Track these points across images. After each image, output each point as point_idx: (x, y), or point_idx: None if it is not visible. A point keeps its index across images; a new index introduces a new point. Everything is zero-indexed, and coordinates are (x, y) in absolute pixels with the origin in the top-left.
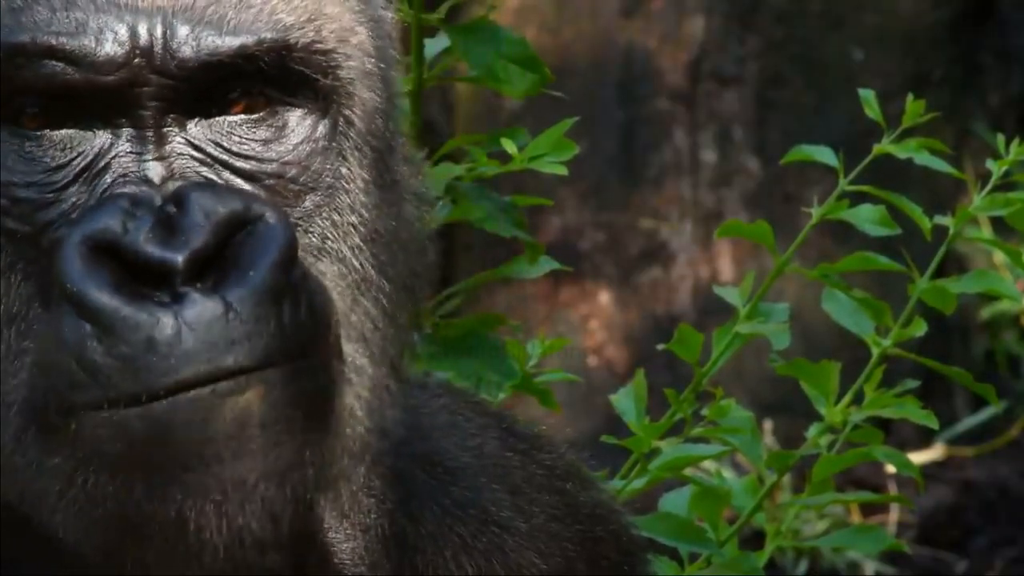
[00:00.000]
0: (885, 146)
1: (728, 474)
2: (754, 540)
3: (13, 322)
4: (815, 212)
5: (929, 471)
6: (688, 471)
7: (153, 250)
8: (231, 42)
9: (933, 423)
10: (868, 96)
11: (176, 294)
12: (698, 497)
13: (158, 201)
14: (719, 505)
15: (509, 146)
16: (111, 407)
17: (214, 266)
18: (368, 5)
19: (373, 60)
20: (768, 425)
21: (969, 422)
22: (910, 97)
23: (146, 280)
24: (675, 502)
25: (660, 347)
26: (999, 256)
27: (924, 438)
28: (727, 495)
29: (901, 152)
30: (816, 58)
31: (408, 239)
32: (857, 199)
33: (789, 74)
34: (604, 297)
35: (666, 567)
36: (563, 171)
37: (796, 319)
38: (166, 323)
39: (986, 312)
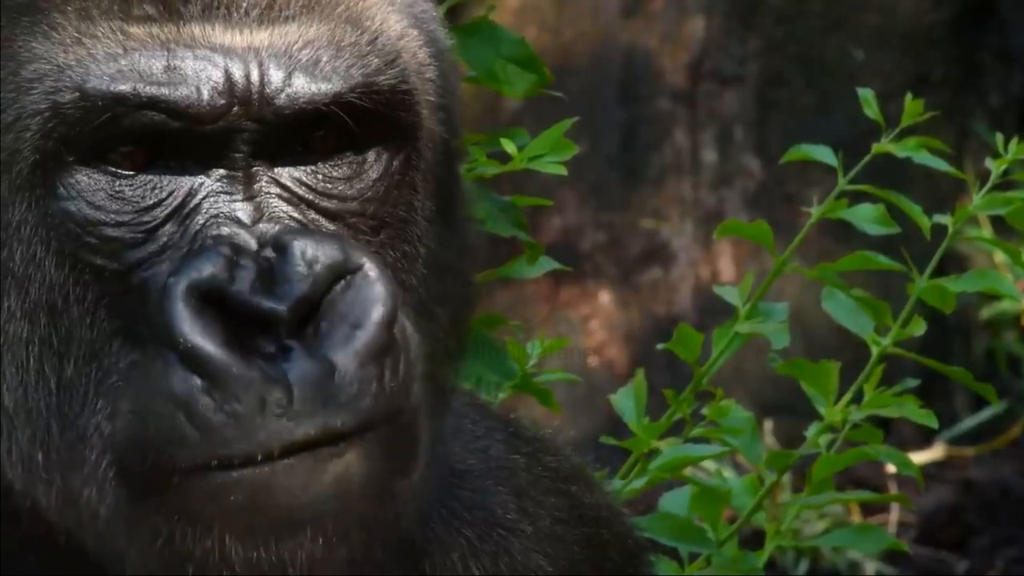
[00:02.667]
0: (884, 145)
1: (728, 474)
2: (754, 540)
3: (95, 358)
4: (814, 211)
5: (929, 471)
6: (688, 471)
7: (260, 300)
8: (325, 88)
9: (933, 422)
10: (868, 96)
11: (282, 346)
12: (698, 497)
13: (254, 245)
14: (719, 505)
15: (509, 146)
16: (221, 467)
17: (316, 316)
18: (436, 40)
19: (440, 93)
20: (768, 425)
21: (969, 422)
22: (909, 97)
23: (249, 328)
24: (675, 502)
25: (660, 347)
26: (999, 255)
27: (924, 438)
28: (727, 495)
29: (900, 151)
30: (816, 58)
31: (462, 268)
32: (857, 198)
33: (789, 74)
34: (604, 297)
35: (666, 567)
36: (563, 171)
37: (796, 319)
38: (277, 382)
39: (986, 312)
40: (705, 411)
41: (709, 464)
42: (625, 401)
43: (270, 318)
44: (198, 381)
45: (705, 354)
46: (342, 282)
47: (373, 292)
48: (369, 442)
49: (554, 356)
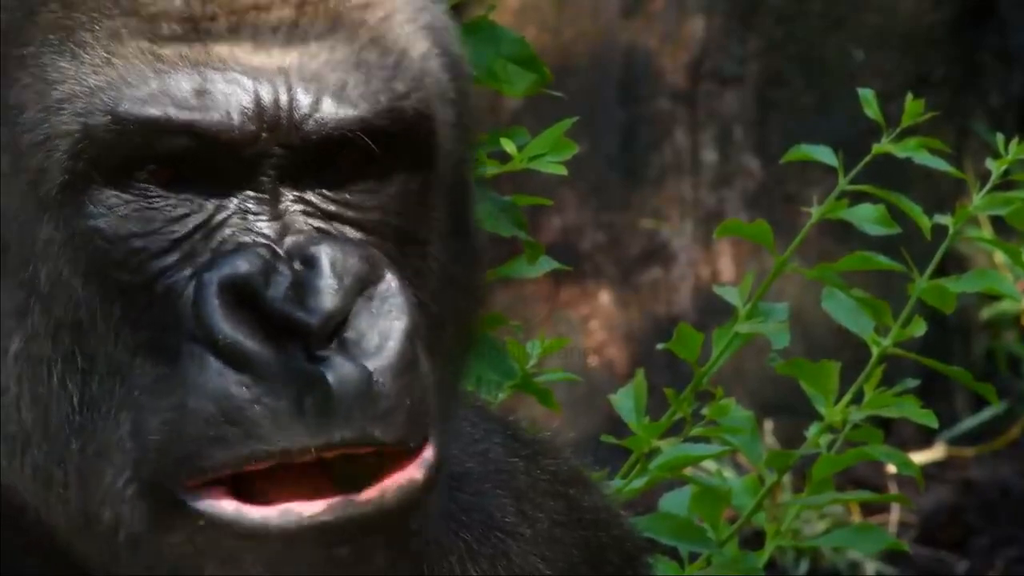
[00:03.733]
0: (885, 145)
1: (728, 473)
2: (754, 540)
3: (118, 373)
4: (815, 212)
5: (929, 471)
6: (688, 471)
7: (292, 310)
8: (352, 113)
9: (933, 422)
10: (868, 96)
11: (311, 355)
12: (698, 497)
13: (284, 254)
14: (719, 505)
15: (509, 146)
16: (258, 460)
17: (343, 327)
18: (456, 59)
19: (458, 112)
20: (768, 425)
21: (969, 422)
22: (909, 97)
23: (282, 333)
24: (675, 502)
25: (660, 347)
26: (999, 256)
27: (924, 438)
28: (727, 495)
29: (901, 151)
30: (816, 58)
31: (472, 281)
32: (857, 199)
33: (789, 74)
34: (604, 297)
35: (666, 567)
36: (563, 171)
37: (796, 319)
38: (317, 382)
39: (986, 312)
40: (705, 411)
41: (709, 464)
42: (625, 401)
43: (302, 329)
44: (236, 376)
45: (705, 354)
46: (366, 293)
47: (397, 303)
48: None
49: (554, 356)
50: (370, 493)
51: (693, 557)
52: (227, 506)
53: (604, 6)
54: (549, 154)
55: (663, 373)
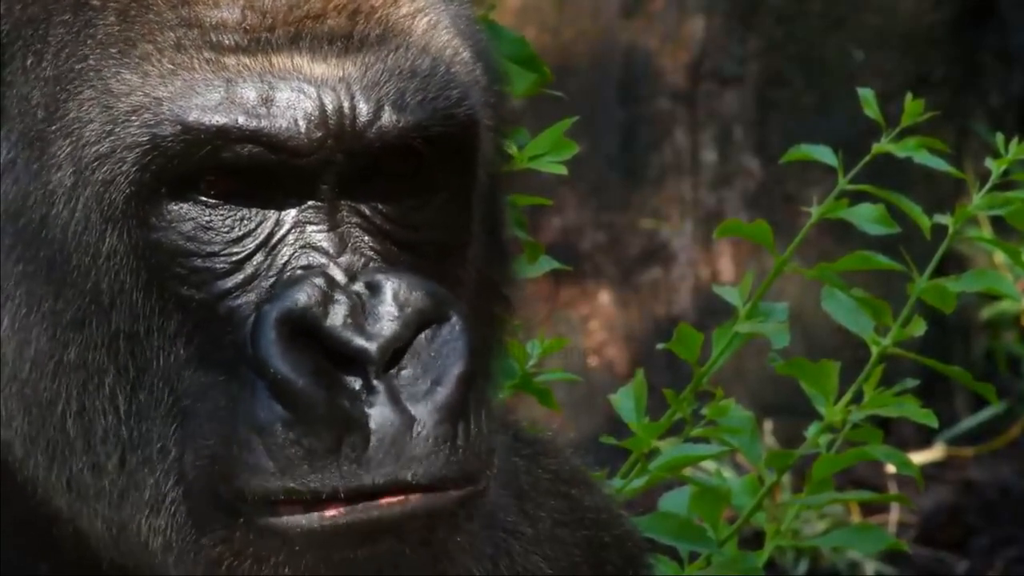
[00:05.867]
0: (884, 145)
1: (728, 473)
2: (754, 540)
3: (168, 384)
4: (815, 212)
5: (929, 471)
6: (688, 471)
7: (352, 337)
8: (410, 121)
9: (933, 422)
10: (868, 96)
11: (368, 385)
12: (698, 497)
13: (344, 278)
14: (719, 505)
15: (509, 146)
16: (288, 502)
17: (402, 359)
18: (493, 65)
19: (495, 118)
20: (768, 425)
21: (969, 422)
22: (909, 97)
23: (338, 361)
24: (675, 502)
25: (660, 347)
26: (999, 255)
27: (924, 438)
28: (727, 495)
29: (900, 151)
30: (816, 58)
31: (504, 287)
32: (857, 198)
33: (789, 74)
34: (604, 297)
35: (666, 567)
36: (563, 171)
37: (796, 319)
38: (357, 426)
39: (986, 312)
40: (705, 411)
41: (709, 464)
42: (625, 401)
43: (360, 357)
44: (282, 411)
45: (705, 354)
46: (428, 330)
47: (457, 347)
48: (439, 505)
49: (554, 356)
50: (393, 497)
51: (693, 557)
52: (262, 508)
53: (604, 6)
54: (549, 154)
55: (663, 373)
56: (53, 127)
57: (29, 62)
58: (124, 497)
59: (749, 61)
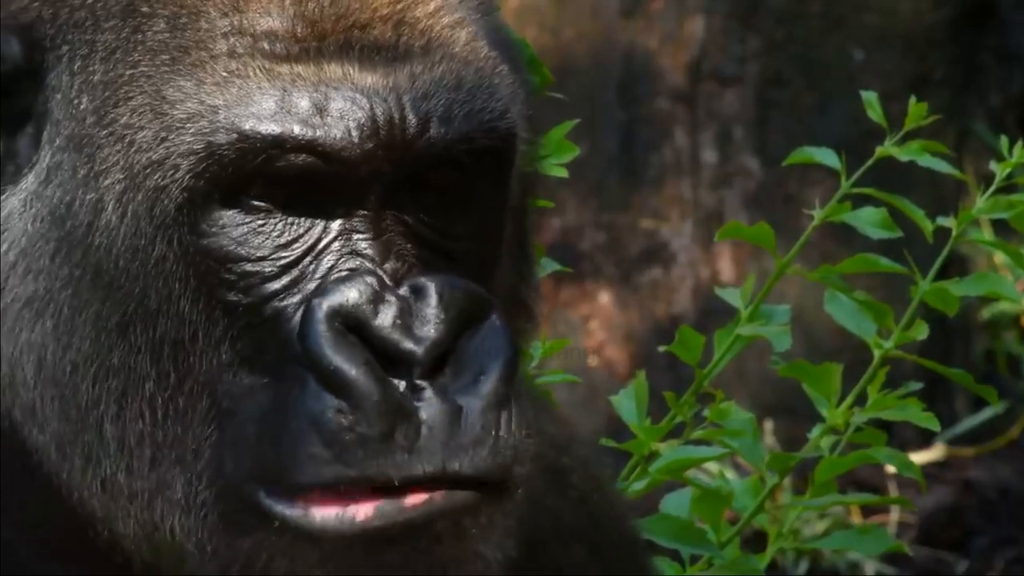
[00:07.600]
0: (887, 149)
1: (730, 475)
2: (755, 541)
3: (208, 387)
4: (817, 215)
5: (929, 471)
6: (689, 473)
7: (400, 338)
8: (456, 132)
9: (935, 425)
10: (871, 98)
11: (413, 385)
12: (699, 499)
13: (389, 281)
14: (720, 506)
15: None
16: (342, 486)
17: (447, 359)
18: (526, 78)
19: (528, 129)
20: (769, 426)
21: (969, 422)
22: (912, 99)
23: (384, 362)
24: (676, 504)
25: (662, 349)
26: (999, 256)
27: (924, 438)
28: (728, 496)
29: (903, 155)
30: (816, 58)
31: (530, 296)
32: (859, 201)
33: (789, 74)
34: (604, 297)
35: (667, 569)
36: (564, 173)
37: (798, 321)
38: (409, 416)
39: (987, 313)
40: (706, 413)
41: (711, 466)
42: (626, 402)
43: (407, 358)
44: (335, 401)
45: (706, 355)
46: (470, 329)
47: (498, 343)
48: (477, 501)
49: (554, 356)
50: (417, 498)
51: (694, 559)
52: (298, 510)
53: (604, 6)
54: (550, 156)
55: (663, 374)
56: (103, 132)
57: (76, 66)
58: (156, 498)
59: (749, 61)
